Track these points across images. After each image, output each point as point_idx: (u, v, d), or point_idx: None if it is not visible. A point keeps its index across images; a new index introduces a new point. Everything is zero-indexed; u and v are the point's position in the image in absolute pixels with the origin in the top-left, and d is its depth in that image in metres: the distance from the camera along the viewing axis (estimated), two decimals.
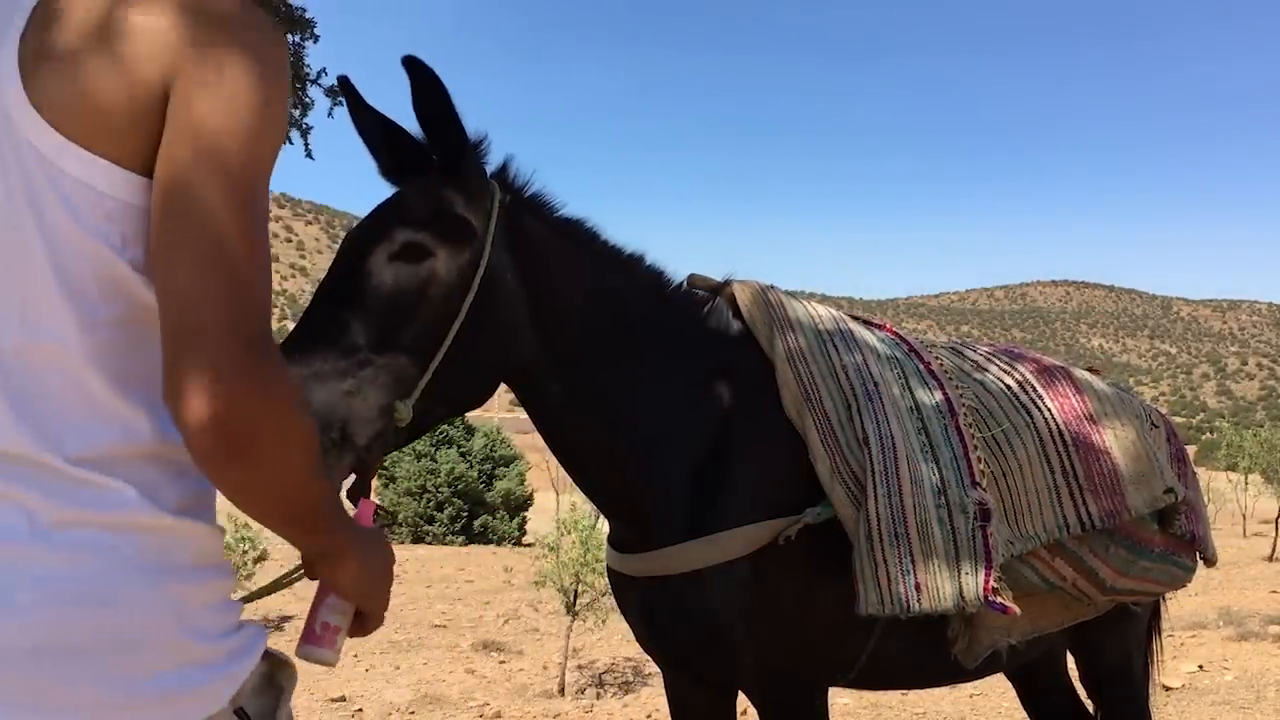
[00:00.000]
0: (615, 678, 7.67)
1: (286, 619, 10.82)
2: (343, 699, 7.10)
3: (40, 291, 0.93)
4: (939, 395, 2.42)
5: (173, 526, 0.98)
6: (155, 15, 0.90)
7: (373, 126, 2.08)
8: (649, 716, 6.72)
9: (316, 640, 1.25)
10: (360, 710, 6.87)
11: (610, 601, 8.60)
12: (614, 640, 9.08)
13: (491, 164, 2.15)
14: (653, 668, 8.03)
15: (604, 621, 8.61)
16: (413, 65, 1.91)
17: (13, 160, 0.91)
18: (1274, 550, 17.77)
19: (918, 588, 2.15)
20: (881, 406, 2.31)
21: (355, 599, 1.20)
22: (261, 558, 10.76)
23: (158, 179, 0.91)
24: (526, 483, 22.40)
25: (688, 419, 2.29)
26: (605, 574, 9.36)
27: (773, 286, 2.55)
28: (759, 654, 2.27)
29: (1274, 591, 12.71)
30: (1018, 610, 2.22)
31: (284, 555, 16.41)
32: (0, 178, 0.92)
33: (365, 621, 1.25)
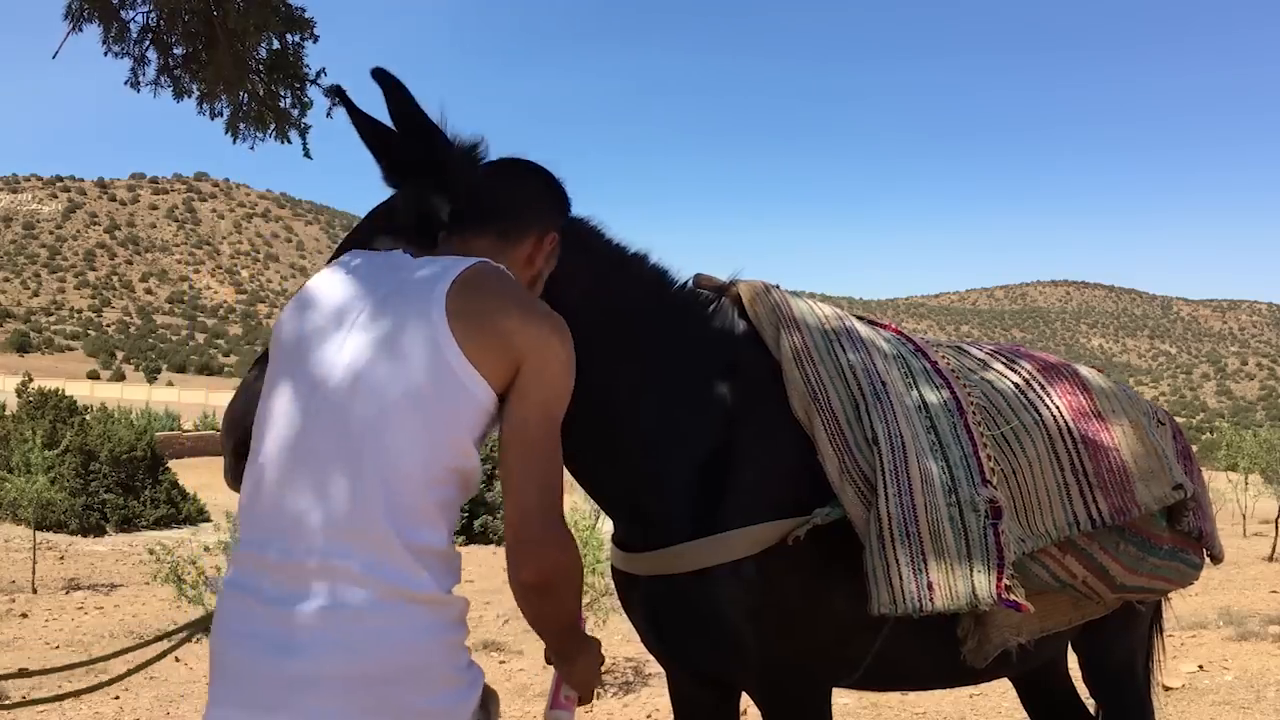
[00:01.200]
0: (615, 678, 7.67)
1: None
2: None
3: (426, 445, 1.55)
4: (946, 393, 2.41)
5: (447, 600, 1.58)
6: (518, 320, 1.62)
7: (369, 133, 2.06)
8: (649, 716, 6.72)
9: (563, 706, 1.86)
10: None
11: (610, 601, 8.60)
12: (614, 640, 9.08)
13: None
14: (653, 668, 8.02)
15: (604, 621, 8.61)
16: (381, 77, 1.92)
17: (440, 374, 1.56)
18: (1274, 550, 17.76)
19: (930, 587, 2.14)
20: (890, 405, 2.29)
21: (575, 685, 1.86)
22: None
23: (517, 419, 1.60)
24: None
25: (691, 418, 2.28)
26: (605, 574, 9.36)
27: (778, 286, 2.54)
28: (764, 654, 2.26)
29: (1274, 591, 12.72)
30: (1031, 608, 2.21)
31: None
32: (430, 383, 1.56)
33: (582, 697, 1.89)
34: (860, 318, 2.63)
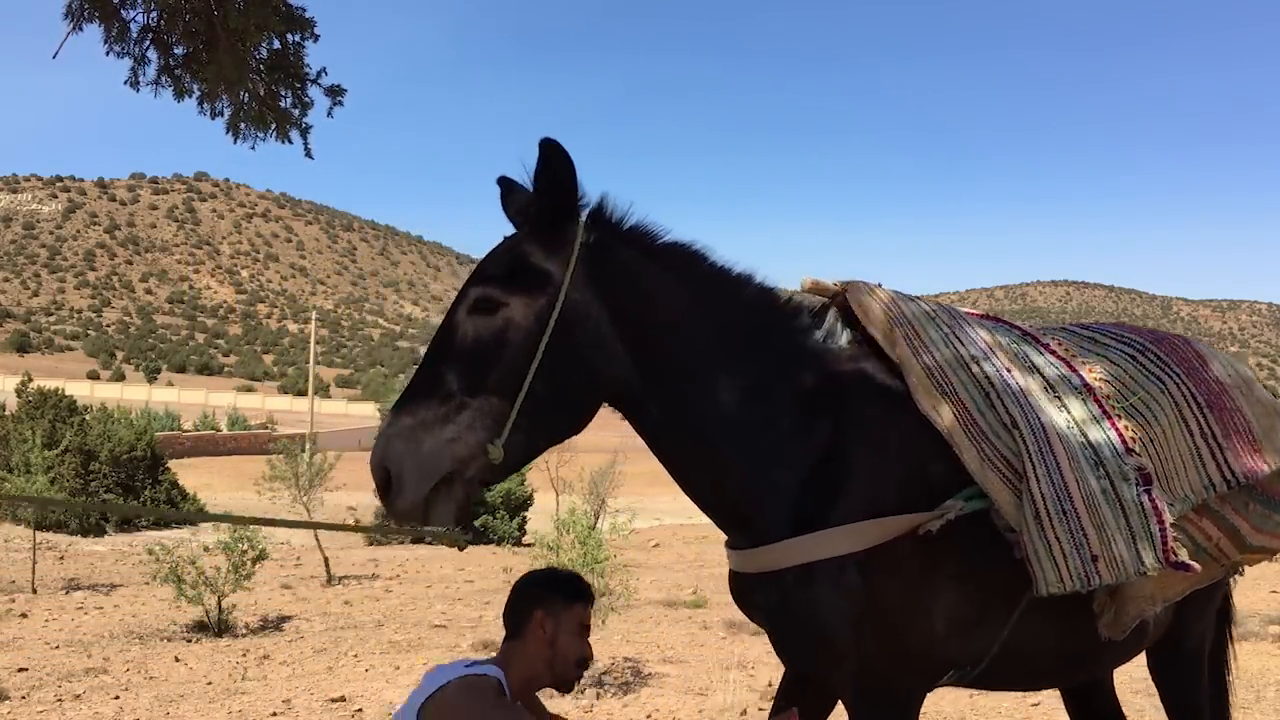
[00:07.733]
0: (615, 678, 7.66)
1: (286, 619, 10.82)
2: (343, 699, 7.10)
3: None
4: (1067, 371, 2.46)
5: None
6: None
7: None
8: (649, 716, 6.71)
9: None
10: (360, 710, 6.86)
11: (610, 601, 8.59)
12: (614, 640, 9.07)
13: (590, 204, 2.33)
14: (653, 668, 8.02)
15: (604, 621, 8.61)
16: (548, 147, 2.21)
17: None
18: None
19: (1095, 560, 2.17)
20: (1020, 389, 2.34)
21: None
22: (261, 557, 10.76)
23: None
24: (526, 483, 22.38)
25: (800, 423, 2.34)
26: (604, 574, 9.27)
27: (880, 285, 2.62)
28: (863, 655, 2.27)
29: (1274, 591, 12.70)
30: (1199, 568, 2.26)
31: (283, 555, 16.41)
32: None
33: None
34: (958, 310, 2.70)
